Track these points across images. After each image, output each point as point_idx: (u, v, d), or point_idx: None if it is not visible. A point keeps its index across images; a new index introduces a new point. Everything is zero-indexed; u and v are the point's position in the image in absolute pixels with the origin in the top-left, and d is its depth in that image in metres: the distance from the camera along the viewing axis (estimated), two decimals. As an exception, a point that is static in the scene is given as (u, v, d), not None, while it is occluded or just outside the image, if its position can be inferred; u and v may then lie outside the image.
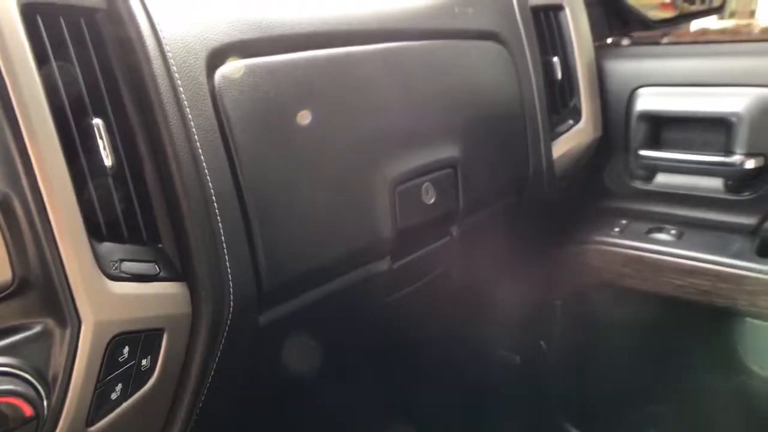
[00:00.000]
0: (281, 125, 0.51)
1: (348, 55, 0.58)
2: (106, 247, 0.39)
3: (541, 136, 0.80)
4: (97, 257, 0.37)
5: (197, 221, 0.43)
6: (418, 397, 1.18)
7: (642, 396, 0.98)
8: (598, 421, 1.02)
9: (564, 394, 1.04)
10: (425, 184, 0.64)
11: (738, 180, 0.83)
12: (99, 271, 0.37)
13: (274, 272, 0.50)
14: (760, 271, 0.78)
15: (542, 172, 0.82)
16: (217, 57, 0.47)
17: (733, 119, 0.80)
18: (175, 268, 0.43)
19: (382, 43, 0.61)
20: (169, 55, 0.43)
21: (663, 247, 0.86)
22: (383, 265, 0.62)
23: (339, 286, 0.58)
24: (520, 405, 1.10)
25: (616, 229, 0.91)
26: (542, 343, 1.03)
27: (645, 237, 0.89)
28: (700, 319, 0.86)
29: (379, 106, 0.60)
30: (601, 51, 0.92)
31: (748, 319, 0.80)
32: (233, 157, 0.47)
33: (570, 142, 0.86)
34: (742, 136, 0.80)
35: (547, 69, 0.83)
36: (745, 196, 0.83)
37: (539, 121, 0.80)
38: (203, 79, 0.45)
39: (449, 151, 0.67)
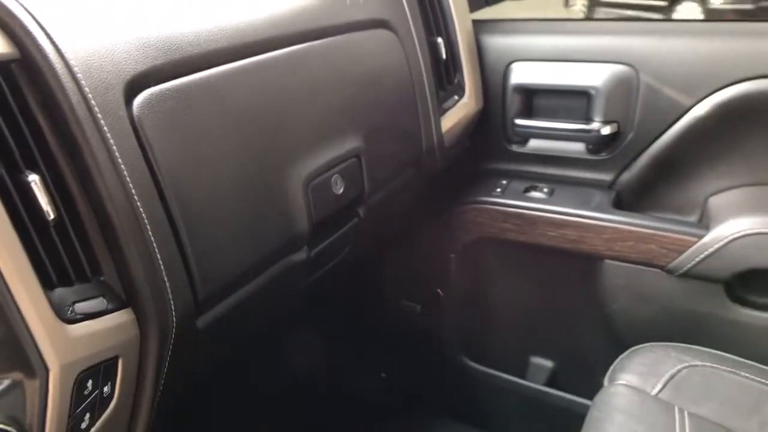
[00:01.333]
0: (200, 143, 0.53)
1: (255, 64, 0.60)
2: (59, 293, 0.41)
3: (432, 114, 0.88)
4: (53, 305, 0.40)
5: (136, 250, 0.46)
6: (337, 350, 1.28)
7: (528, 330, 1.15)
8: (492, 355, 1.18)
9: (461, 333, 1.18)
10: (334, 176, 0.70)
11: (597, 143, 0.96)
12: (57, 319, 0.39)
13: (206, 281, 0.54)
14: (615, 221, 0.93)
15: (434, 146, 0.90)
16: (132, 88, 0.48)
17: (593, 92, 0.93)
18: (120, 297, 0.46)
19: (286, 48, 0.64)
20: (90, 96, 0.44)
21: (537, 204, 0.99)
22: (302, 255, 0.68)
23: (263, 280, 0.63)
24: (423, 345, 1.23)
25: (498, 190, 1.03)
26: (439, 290, 1.15)
27: (522, 195, 1.01)
28: (569, 264, 1.01)
29: (289, 109, 0.63)
30: (477, 26, 1.00)
31: (607, 261, 0.96)
32: (160, 183, 0.49)
33: (456, 115, 0.95)
34: (599, 106, 0.93)
35: (433, 49, 0.90)
36: (603, 156, 0.97)
37: (429, 100, 0.87)
38: (123, 113, 0.47)
39: (354, 142, 0.72)
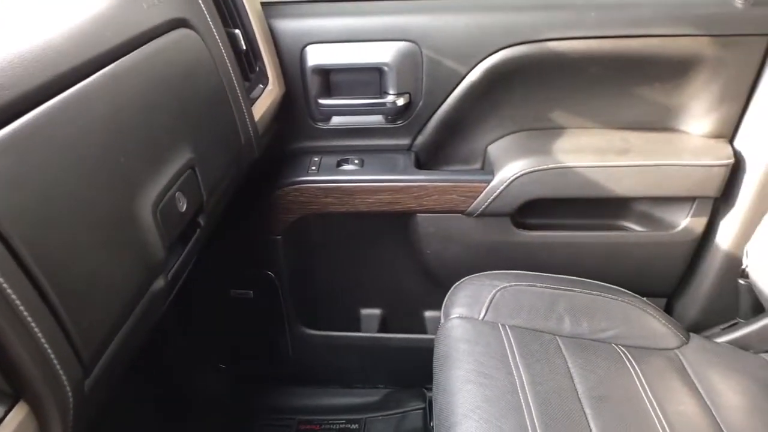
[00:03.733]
0: (44, 196, 0.48)
1: (75, 95, 0.54)
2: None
3: (244, 107, 0.88)
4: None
5: (22, 344, 0.41)
6: (173, 349, 1.23)
7: (357, 287, 1.25)
8: (328, 318, 1.25)
9: (297, 307, 1.23)
10: (176, 194, 0.67)
11: (393, 114, 1.06)
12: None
13: (87, 342, 0.50)
14: (420, 180, 1.06)
15: (251, 138, 0.90)
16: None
17: (385, 68, 1.01)
18: (12, 395, 0.41)
19: (99, 71, 0.58)
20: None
21: (352, 175, 1.06)
22: (160, 282, 0.65)
23: (132, 321, 0.60)
24: (261, 328, 1.25)
25: (313, 168, 1.08)
26: (270, 273, 1.17)
27: (336, 170, 1.08)
28: (387, 223, 1.12)
29: (121, 136, 0.59)
30: (267, 10, 1.00)
31: (418, 215, 1.09)
32: (17, 252, 0.44)
33: (264, 103, 0.96)
34: (391, 80, 1.02)
35: (233, 41, 0.88)
36: (399, 124, 1.08)
37: (239, 93, 0.86)
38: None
39: (185, 153, 0.70)
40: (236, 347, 1.31)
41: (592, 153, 1.04)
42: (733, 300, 1.08)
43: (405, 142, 1.10)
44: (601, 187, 1.04)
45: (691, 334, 1.02)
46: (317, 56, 1.01)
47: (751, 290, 1.01)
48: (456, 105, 1.04)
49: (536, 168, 1.03)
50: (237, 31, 0.89)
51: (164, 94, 0.68)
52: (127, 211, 0.58)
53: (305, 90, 1.04)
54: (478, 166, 1.13)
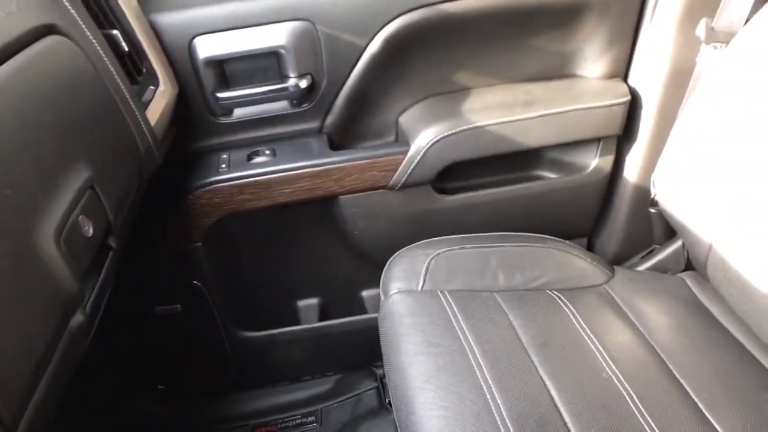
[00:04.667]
0: None
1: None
2: None
3: (137, 113, 0.81)
4: None
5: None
6: (109, 376, 1.15)
7: (290, 280, 1.21)
8: (265, 317, 1.22)
9: (231, 312, 1.18)
10: (79, 218, 0.61)
11: (298, 97, 1.02)
12: None
13: (4, 404, 0.45)
14: (337, 162, 1.03)
15: (150, 144, 0.84)
16: None
17: (282, 51, 0.97)
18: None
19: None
20: None
21: (266, 168, 1.02)
22: (79, 318, 0.59)
23: (53, 367, 0.54)
24: (194, 340, 1.20)
25: (223, 166, 1.02)
26: (196, 282, 1.11)
27: (248, 164, 1.03)
28: (311, 210, 1.09)
29: (4, 165, 0.52)
30: (144, 5, 0.93)
31: (341, 197, 1.07)
32: None
33: (159, 105, 0.89)
34: (290, 63, 0.98)
35: (112, 44, 0.81)
36: (306, 107, 1.05)
37: (128, 98, 0.80)
38: None
39: (82, 173, 0.64)
40: (173, 365, 1.25)
41: (499, 109, 1.05)
42: (648, 229, 1.14)
43: (315, 124, 1.07)
44: (513, 142, 1.06)
45: (616, 267, 1.08)
46: (208, 48, 0.95)
47: (662, 217, 1.08)
48: (361, 79, 1.02)
49: (449, 132, 1.03)
50: (115, 31, 0.82)
51: (44, 110, 0.61)
52: (25, 248, 0.52)
53: (200, 85, 0.98)
54: (392, 138, 1.12)
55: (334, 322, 1.24)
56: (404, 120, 1.09)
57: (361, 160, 1.04)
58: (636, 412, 0.78)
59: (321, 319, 1.26)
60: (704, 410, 0.80)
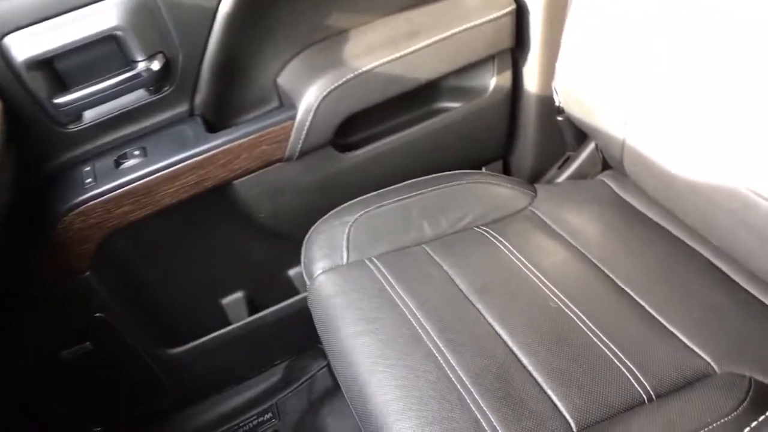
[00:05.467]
0: None
1: None
2: None
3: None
4: None
5: None
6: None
7: (207, 282, 1.10)
8: (192, 328, 1.11)
9: (152, 333, 1.06)
10: None
11: (154, 82, 0.88)
12: None
13: None
14: (219, 145, 0.91)
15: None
16: None
17: (119, 33, 0.82)
18: None
19: None
20: None
21: (138, 171, 0.88)
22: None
23: None
24: (118, 361, 1.08)
25: (89, 180, 0.88)
26: (100, 314, 0.99)
27: (117, 172, 0.89)
28: (207, 204, 0.97)
29: None
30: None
31: (235, 182, 0.96)
32: None
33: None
34: (133, 45, 0.83)
35: None
36: (168, 90, 0.91)
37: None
38: None
39: None
40: (104, 403, 1.12)
41: (384, 47, 0.96)
42: (559, 138, 1.11)
43: (183, 108, 0.93)
44: (406, 79, 0.98)
45: (536, 185, 1.04)
46: (24, 47, 0.79)
47: (571, 123, 1.04)
48: (221, 46, 0.89)
49: (336, 84, 0.93)
50: None
51: None
52: None
53: (30, 93, 0.82)
54: (275, 104, 1.00)
55: (266, 311, 1.15)
56: (283, 81, 0.98)
57: (246, 137, 0.92)
58: (591, 334, 0.75)
59: (251, 313, 1.16)
60: (652, 312, 0.79)
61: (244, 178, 0.96)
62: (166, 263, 1.06)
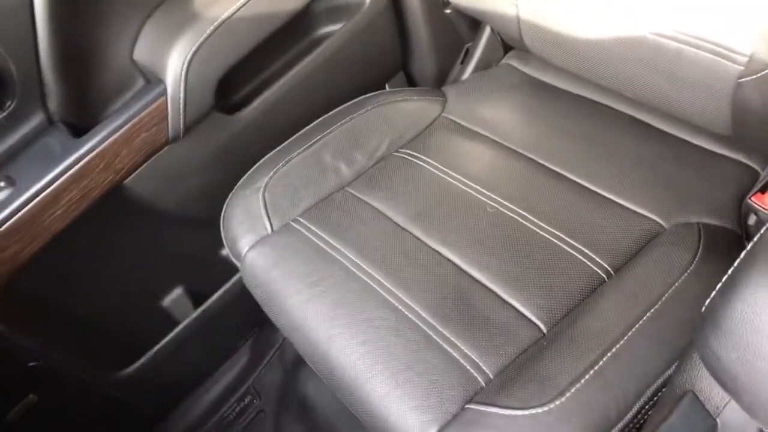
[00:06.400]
0: None
1: None
2: None
3: None
4: None
5: None
6: None
7: (146, 287, 1.03)
8: (142, 339, 1.03)
9: (97, 359, 0.99)
10: None
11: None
12: None
13: None
14: (92, 148, 0.80)
15: None
16: None
17: None
18: None
19: None
20: None
21: (10, 204, 0.77)
22: None
23: None
24: (73, 402, 1.00)
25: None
26: (32, 363, 0.90)
27: None
28: (109, 213, 0.87)
29: None
30: None
31: (126, 182, 0.86)
32: None
33: None
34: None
35: None
36: (11, 105, 0.78)
37: None
38: None
39: None
40: None
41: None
42: (453, 32, 1.04)
43: (38, 119, 0.81)
44: (273, 15, 0.88)
45: (444, 88, 0.98)
46: None
47: (461, 13, 0.97)
48: (55, 36, 0.76)
49: (199, 43, 0.82)
50: None
51: None
52: None
53: None
54: (141, 84, 0.89)
55: (212, 298, 1.08)
56: (140, 55, 0.86)
57: (119, 130, 0.81)
58: (535, 228, 0.73)
59: (197, 305, 1.09)
60: (589, 185, 0.77)
61: (134, 175, 0.86)
62: (87, 285, 0.97)
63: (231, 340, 1.17)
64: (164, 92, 0.83)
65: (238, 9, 0.84)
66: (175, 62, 0.82)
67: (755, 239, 0.42)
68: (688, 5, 0.66)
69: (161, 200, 0.92)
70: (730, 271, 0.42)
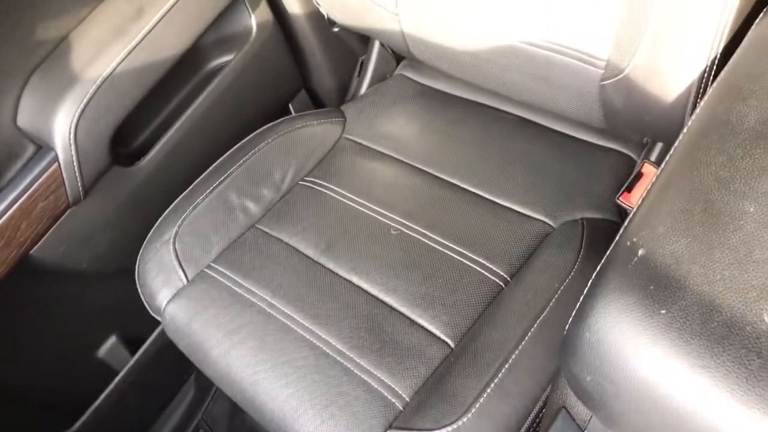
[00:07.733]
0: None
1: None
2: None
3: None
4: None
5: None
6: None
7: (78, 342, 1.02)
8: (78, 398, 1.03)
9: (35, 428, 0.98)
10: None
11: None
12: None
13: None
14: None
15: None
16: None
17: None
18: None
19: None
20: None
21: None
22: None
23: None
24: None
25: None
26: None
27: None
28: (17, 284, 0.85)
29: None
30: None
31: (33, 252, 0.84)
32: None
33: None
34: None
35: None
36: None
37: None
38: None
39: None
40: None
41: (114, 39, 0.83)
42: (345, 47, 1.06)
43: None
44: (157, 63, 0.87)
45: (344, 107, 1.00)
46: None
47: (348, 31, 0.99)
48: None
49: (83, 104, 0.80)
50: None
51: None
52: None
53: None
54: (31, 151, 0.86)
55: (148, 342, 1.08)
56: (24, 122, 0.84)
57: (14, 204, 0.80)
58: (438, 246, 0.76)
59: (133, 351, 1.09)
60: (483, 194, 0.81)
61: (40, 243, 0.85)
62: (16, 356, 0.96)
63: (174, 379, 1.18)
64: (56, 158, 0.82)
65: (119, 64, 0.83)
66: (61, 127, 0.81)
67: (607, 254, 0.46)
68: (552, 17, 0.69)
69: (73, 262, 0.91)
70: (585, 290, 0.46)
